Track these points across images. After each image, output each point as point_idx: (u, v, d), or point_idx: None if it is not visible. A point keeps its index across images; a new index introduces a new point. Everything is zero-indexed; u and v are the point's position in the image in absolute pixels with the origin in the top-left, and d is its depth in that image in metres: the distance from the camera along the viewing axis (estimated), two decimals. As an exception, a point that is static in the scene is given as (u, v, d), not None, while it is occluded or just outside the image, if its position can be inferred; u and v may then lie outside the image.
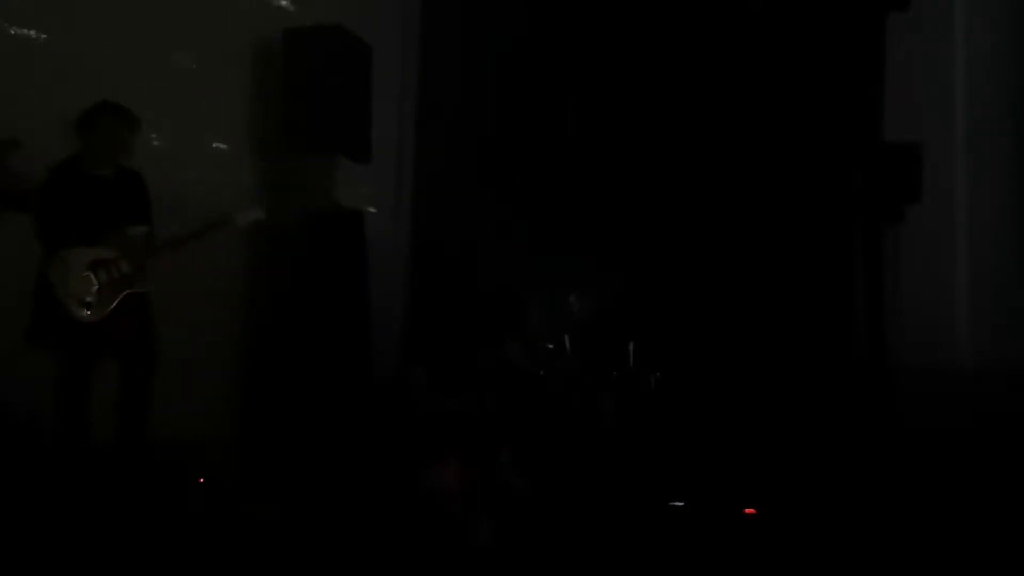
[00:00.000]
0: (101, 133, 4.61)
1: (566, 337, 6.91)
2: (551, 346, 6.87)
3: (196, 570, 3.82)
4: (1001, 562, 4.04)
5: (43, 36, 5.21)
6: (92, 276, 4.49)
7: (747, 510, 4.84)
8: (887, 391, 6.47)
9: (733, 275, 7.08)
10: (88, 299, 4.47)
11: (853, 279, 6.92)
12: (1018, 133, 6.72)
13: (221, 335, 6.32)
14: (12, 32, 5.08)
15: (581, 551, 4.28)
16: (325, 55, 6.52)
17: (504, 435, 5.56)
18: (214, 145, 6.28)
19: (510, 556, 4.19)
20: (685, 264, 7.23)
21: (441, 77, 7.94)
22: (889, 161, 6.62)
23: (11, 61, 5.03)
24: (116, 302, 4.55)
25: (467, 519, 4.38)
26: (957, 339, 6.69)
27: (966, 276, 6.76)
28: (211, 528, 4.30)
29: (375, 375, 6.73)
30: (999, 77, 6.79)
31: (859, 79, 6.89)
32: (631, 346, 6.74)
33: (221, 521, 4.40)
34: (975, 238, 6.77)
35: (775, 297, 6.97)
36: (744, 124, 7.15)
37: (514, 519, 4.52)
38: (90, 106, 4.66)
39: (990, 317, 6.63)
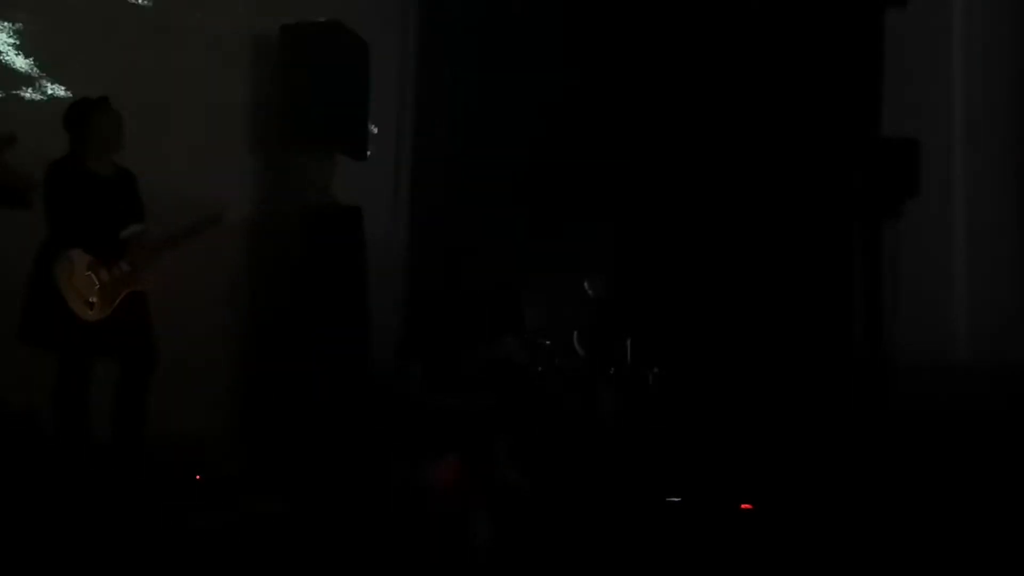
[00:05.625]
0: (93, 130, 4.59)
1: (575, 332, 6.94)
2: (548, 342, 6.89)
3: (195, 567, 3.83)
4: (999, 560, 4.04)
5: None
6: (93, 276, 4.48)
7: (744, 505, 4.85)
8: (884, 387, 6.46)
9: (731, 271, 7.09)
10: (91, 299, 4.46)
11: (851, 274, 6.92)
12: (1017, 128, 6.72)
13: (219, 331, 6.32)
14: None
15: (579, 548, 4.28)
16: (322, 52, 6.51)
17: (502, 432, 5.56)
18: (211, 142, 6.26)
19: (507, 553, 4.19)
20: (683, 260, 7.23)
21: (438, 73, 7.93)
22: (887, 156, 6.61)
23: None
24: (117, 302, 4.54)
25: (464, 515, 4.38)
26: (955, 335, 6.68)
27: (965, 272, 6.76)
28: (210, 525, 4.30)
29: (372, 371, 6.74)
30: (998, 71, 6.78)
31: (857, 74, 6.88)
32: (628, 342, 6.75)
33: (220, 518, 4.41)
34: (974, 233, 6.76)
35: (773, 294, 6.97)
36: (742, 120, 7.15)
37: (511, 515, 4.52)
38: (76, 101, 4.65)
39: (989, 313, 6.62)
